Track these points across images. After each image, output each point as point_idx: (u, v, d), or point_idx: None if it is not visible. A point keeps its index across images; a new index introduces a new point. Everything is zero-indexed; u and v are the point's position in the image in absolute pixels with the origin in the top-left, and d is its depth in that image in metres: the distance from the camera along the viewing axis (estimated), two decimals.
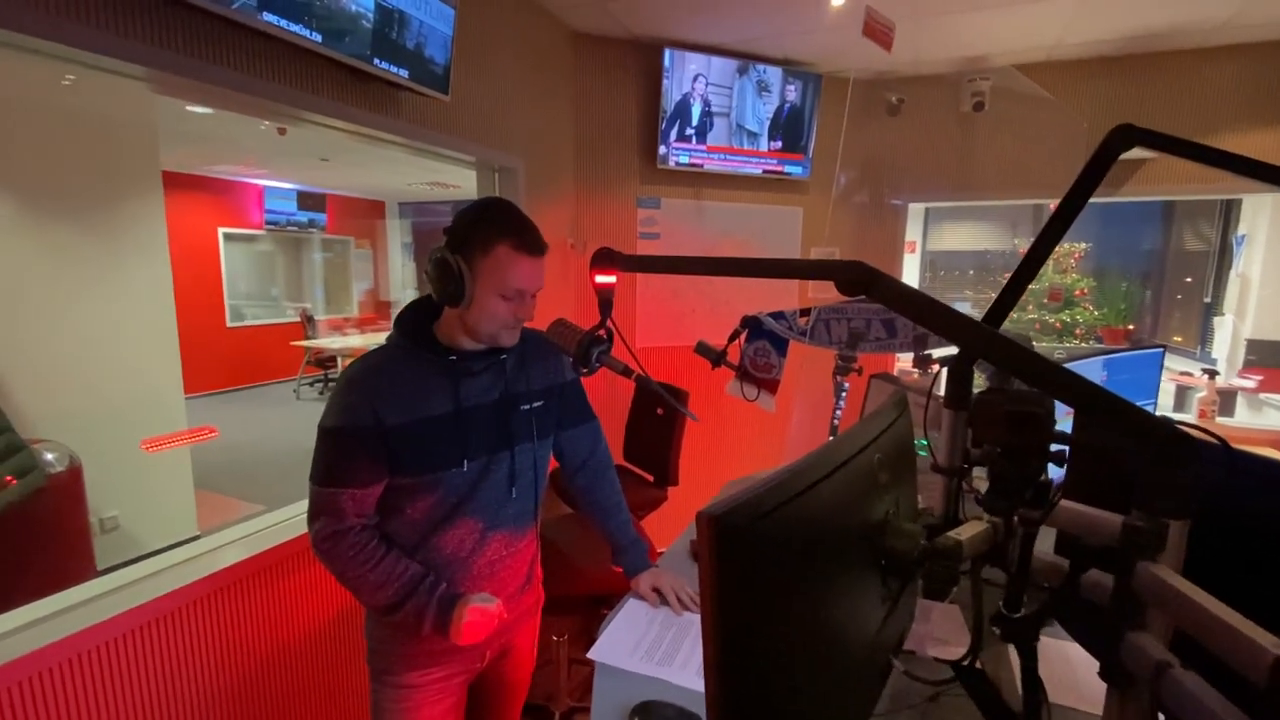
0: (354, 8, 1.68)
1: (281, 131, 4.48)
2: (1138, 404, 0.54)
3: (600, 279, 1.07)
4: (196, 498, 3.15)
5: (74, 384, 2.68)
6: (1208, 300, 4.18)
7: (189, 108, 3.73)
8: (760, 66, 3.17)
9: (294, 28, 1.54)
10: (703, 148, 3.21)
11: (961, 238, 6.12)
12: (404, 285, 9.55)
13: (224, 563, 1.64)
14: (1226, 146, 0.78)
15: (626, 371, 1.11)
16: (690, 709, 1.00)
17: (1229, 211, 3.94)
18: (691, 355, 1.73)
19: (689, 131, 3.16)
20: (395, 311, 1.21)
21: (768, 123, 3.30)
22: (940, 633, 0.73)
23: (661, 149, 3.12)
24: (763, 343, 1.88)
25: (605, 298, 1.09)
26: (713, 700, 0.50)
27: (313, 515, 1.14)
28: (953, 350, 0.85)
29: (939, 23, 2.79)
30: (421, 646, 1.22)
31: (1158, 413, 0.59)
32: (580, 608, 2.00)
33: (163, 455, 3.00)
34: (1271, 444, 2.95)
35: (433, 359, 1.17)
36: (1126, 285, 5.46)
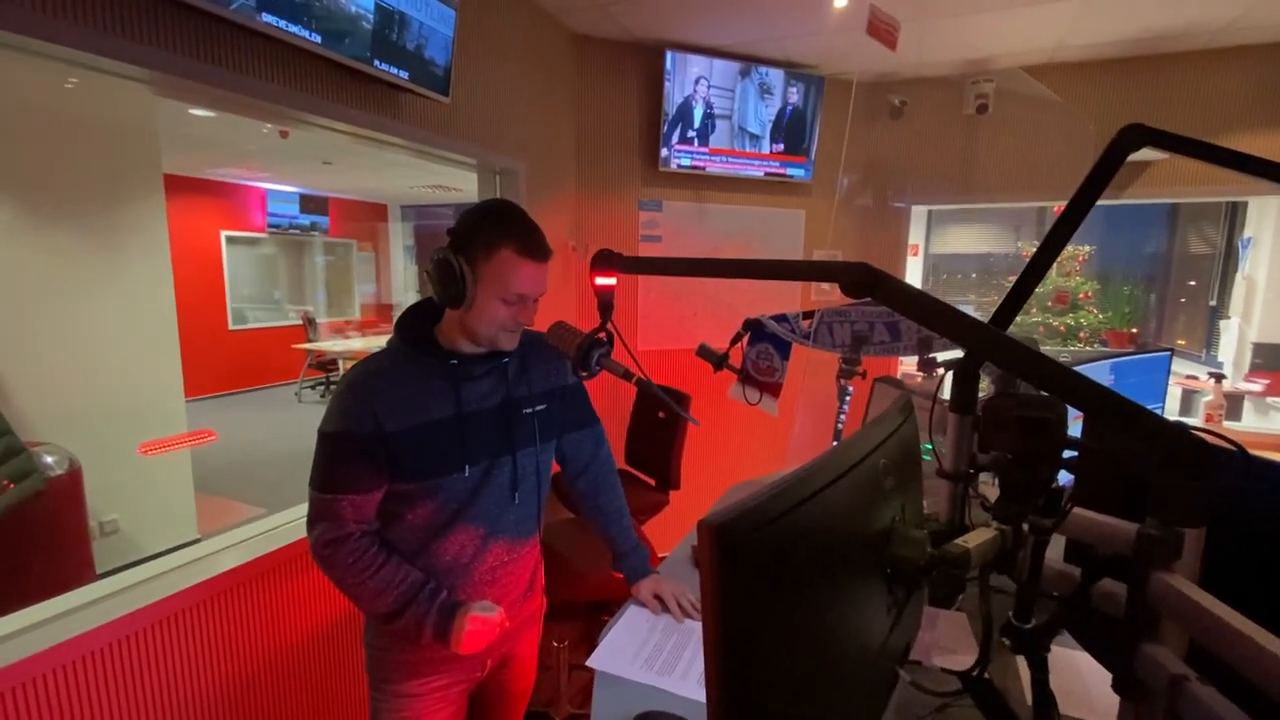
0: (353, 9, 1.68)
1: (284, 134, 4.49)
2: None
3: (600, 281, 1.06)
4: (197, 501, 3.14)
5: (74, 387, 2.67)
6: (1213, 303, 4.16)
7: (191, 111, 3.75)
8: (762, 69, 3.17)
9: (293, 28, 1.54)
10: (705, 150, 3.20)
11: (965, 241, 6.10)
12: (406, 288, 9.56)
13: (224, 566, 1.63)
14: (1233, 148, 0.77)
15: (627, 375, 1.09)
16: None
17: (1234, 214, 3.91)
18: (693, 358, 1.72)
19: (691, 134, 3.15)
20: (397, 314, 1.20)
21: (770, 125, 3.29)
22: (947, 642, 0.71)
23: (663, 151, 3.12)
24: (765, 346, 1.86)
25: (605, 300, 1.08)
26: (714, 712, 0.48)
27: (312, 521, 1.13)
28: (957, 353, 0.83)
29: (942, 24, 2.78)
30: (422, 655, 1.21)
31: (1168, 418, 0.57)
32: (581, 613, 1.98)
33: (163, 458, 3.00)
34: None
35: (433, 363, 1.16)
36: (1131, 289, 5.43)
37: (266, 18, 1.47)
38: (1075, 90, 3.15)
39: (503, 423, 1.21)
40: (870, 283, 0.61)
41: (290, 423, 6.73)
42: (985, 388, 0.87)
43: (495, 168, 2.61)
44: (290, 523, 1.86)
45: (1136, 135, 0.76)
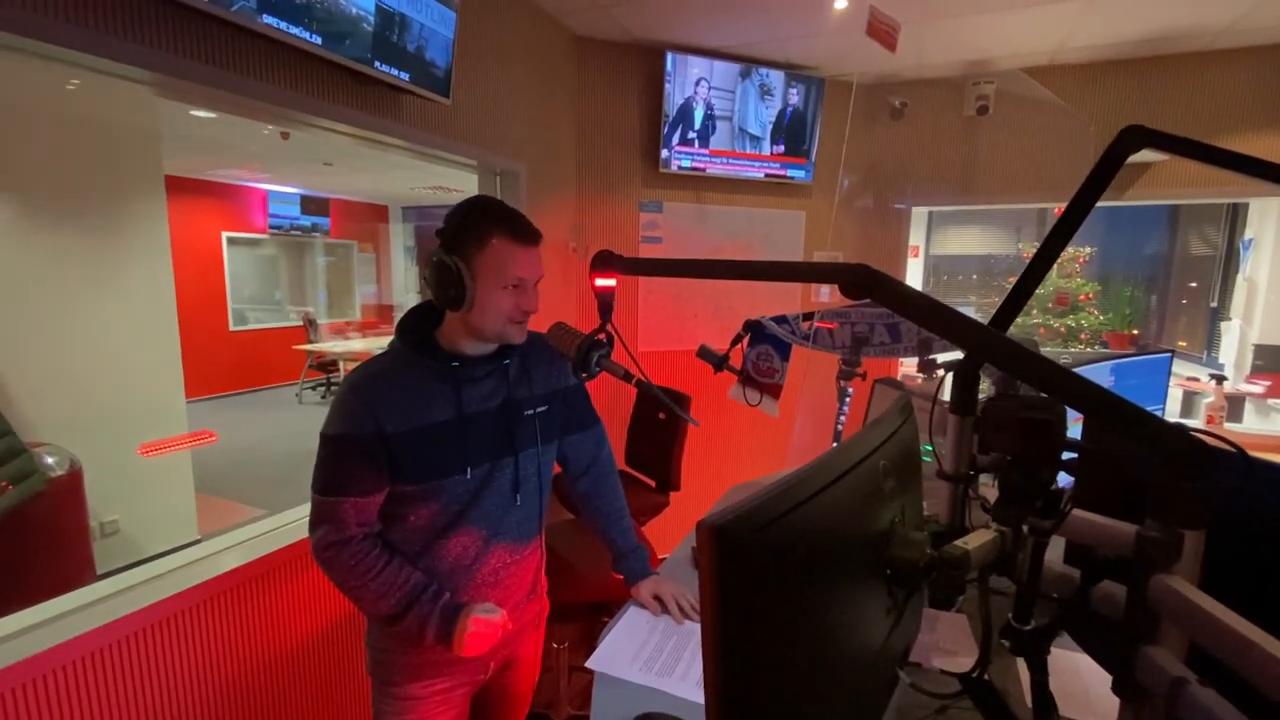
0: (354, 10, 1.68)
1: (285, 136, 4.49)
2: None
3: (600, 282, 1.06)
4: (197, 502, 3.14)
5: (75, 387, 2.68)
6: (1214, 305, 4.15)
7: (193, 112, 3.75)
8: (763, 70, 3.17)
9: (294, 30, 1.54)
10: (705, 151, 3.20)
11: (965, 242, 6.10)
12: (406, 289, 9.56)
13: (224, 567, 1.63)
14: (1234, 149, 0.77)
15: (627, 376, 1.09)
16: None
17: (1235, 216, 3.91)
18: (694, 359, 1.72)
19: (691, 135, 3.15)
20: (398, 315, 1.20)
21: (770, 126, 3.29)
22: (947, 644, 0.71)
23: (664, 153, 3.12)
24: (765, 347, 1.86)
25: (605, 301, 1.08)
26: (713, 713, 0.48)
27: (314, 523, 1.13)
28: (958, 355, 0.83)
29: (942, 25, 2.78)
30: (425, 657, 1.21)
31: (1168, 419, 0.57)
32: (581, 614, 1.98)
33: (164, 459, 3.00)
34: None
35: (435, 365, 1.16)
36: (1132, 290, 5.43)
37: (267, 19, 1.47)
38: (1076, 91, 3.15)
39: (504, 424, 1.21)
40: (870, 284, 0.61)
41: (291, 423, 6.74)
42: (986, 389, 0.86)
43: (496, 169, 2.61)
44: (291, 523, 1.86)
45: (1136, 137, 0.76)
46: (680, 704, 1.03)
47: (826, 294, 3.49)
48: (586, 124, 3.13)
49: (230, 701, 1.68)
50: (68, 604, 1.37)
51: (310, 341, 7.99)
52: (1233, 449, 0.57)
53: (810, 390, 2.82)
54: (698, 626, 1.01)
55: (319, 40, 1.60)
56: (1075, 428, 0.71)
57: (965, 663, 0.69)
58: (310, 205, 8.26)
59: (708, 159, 3.22)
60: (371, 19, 1.73)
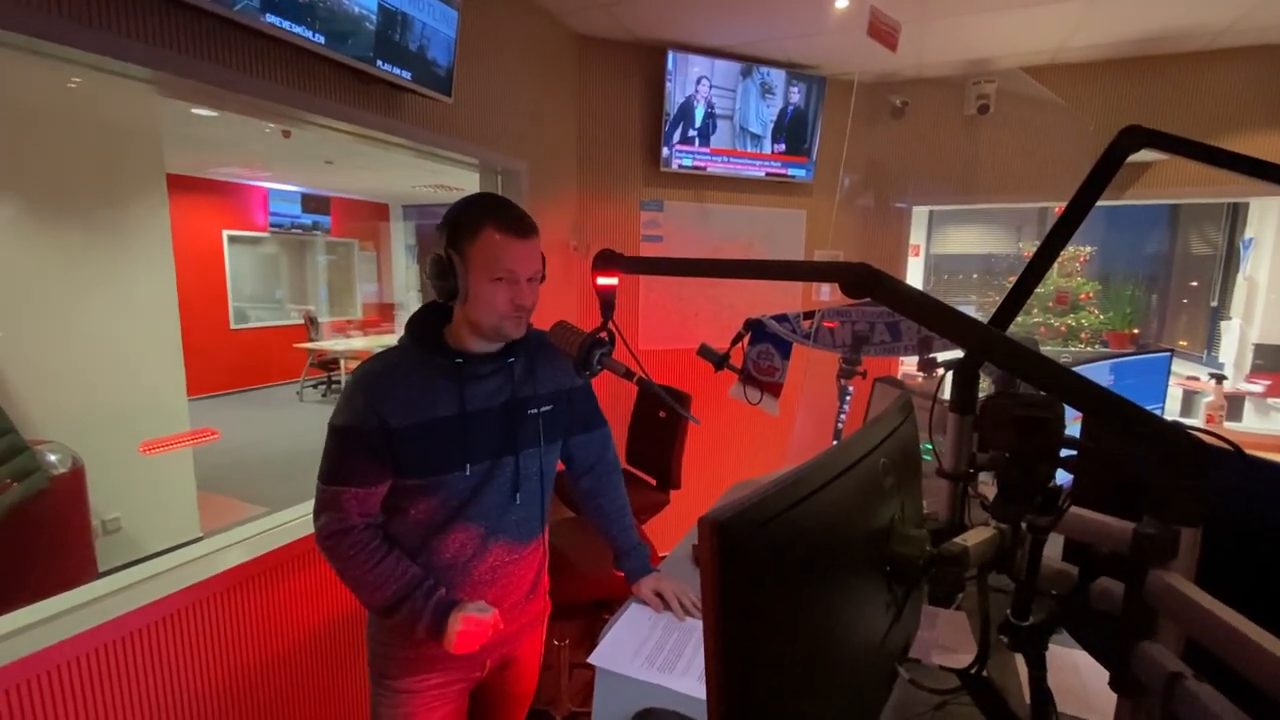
0: (356, 9, 1.68)
1: (286, 134, 4.49)
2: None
3: (602, 281, 1.06)
4: (199, 499, 3.14)
5: (77, 385, 2.68)
6: (1214, 304, 4.16)
7: (194, 110, 3.75)
8: (764, 69, 3.17)
9: (296, 29, 1.54)
10: (706, 150, 3.20)
11: (966, 241, 6.10)
12: (407, 287, 9.55)
13: (226, 564, 1.63)
14: (1234, 149, 0.77)
15: (628, 374, 1.10)
16: (691, 716, 0.98)
17: (1235, 215, 3.91)
18: (695, 358, 1.73)
19: (692, 134, 3.15)
20: (399, 314, 1.22)
21: (771, 125, 3.29)
22: (946, 640, 0.72)
23: (665, 151, 3.12)
24: (766, 346, 1.87)
25: (607, 299, 1.09)
26: (714, 708, 0.49)
27: (318, 511, 1.15)
28: (957, 354, 0.84)
29: (943, 25, 2.78)
30: (420, 651, 1.22)
31: (1167, 418, 0.58)
32: (582, 612, 1.99)
33: (165, 457, 3.00)
34: None
35: (440, 362, 1.17)
36: (1132, 289, 5.43)
37: (270, 18, 1.48)
38: (1076, 91, 3.15)
39: (507, 423, 1.21)
40: (870, 283, 0.61)
41: (292, 422, 6.74)
42: (985, 388, 0.87)
43: (497, 168, 2.61)
44: (291, 521, 1.86)
45: (1136, 136, 0.77)
46: (681, 699, 1.04)
47: (827, 293, 3.49)
48: (587, 123, 3.14)
49: (232, 698, 1.68)
50: (69, 601, 1.38)
51: (311, 340, 8.00)
52: (1229, 447, 0.58)
53: (810, 389, 2.82)
54: (699, 623, 1.01)
55: (321, 39, 1.61)
56: (1074, 426, 0.71)
57: (964, 659, 0.69)
58: (311, 203, 8.26)
59: (709, 158, 3.22)
60: (374, 18, 1.73)
